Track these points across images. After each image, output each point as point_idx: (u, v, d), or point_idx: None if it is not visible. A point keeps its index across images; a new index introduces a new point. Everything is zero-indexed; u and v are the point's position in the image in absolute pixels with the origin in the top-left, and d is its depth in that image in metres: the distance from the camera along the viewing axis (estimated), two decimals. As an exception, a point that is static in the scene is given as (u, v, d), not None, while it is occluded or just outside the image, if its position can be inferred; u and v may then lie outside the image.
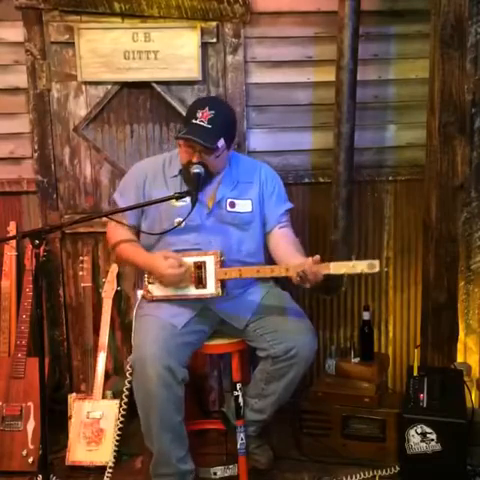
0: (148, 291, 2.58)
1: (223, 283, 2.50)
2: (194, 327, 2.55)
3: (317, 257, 2.33)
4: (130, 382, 2.55)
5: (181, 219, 2.47)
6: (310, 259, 2.33)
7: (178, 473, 2.53)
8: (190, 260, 2.50)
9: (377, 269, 2.27)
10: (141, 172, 2.67)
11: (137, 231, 2.66)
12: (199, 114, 2.45)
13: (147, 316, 2.55)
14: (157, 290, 2.57)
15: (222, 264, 2.49)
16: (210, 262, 2.48)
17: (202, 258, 2.50)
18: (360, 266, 2.28)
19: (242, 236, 2.61)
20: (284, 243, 2.63)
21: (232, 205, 2.60)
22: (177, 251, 2.53)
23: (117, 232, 2.66)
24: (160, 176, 2.62)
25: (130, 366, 2.50)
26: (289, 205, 2.73)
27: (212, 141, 2.44)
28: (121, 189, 2.72)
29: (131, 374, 2.49)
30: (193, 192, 2.42)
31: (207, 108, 2.46)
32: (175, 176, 2.60)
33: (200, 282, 2.50)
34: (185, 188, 2.52)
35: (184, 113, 2.82)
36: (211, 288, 2.49)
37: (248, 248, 2.62)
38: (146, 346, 2.40)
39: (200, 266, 2.49)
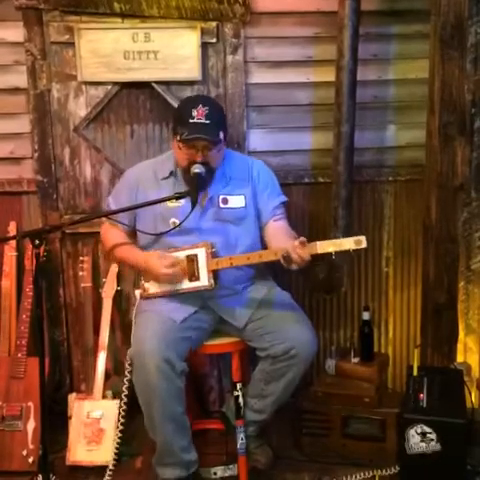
0: (145, 289, 2.63)
1: (216, 274, 2.51)
2: (193, 323, 2.56)
3: (303, 239, 2.32)
4: (129, 380, 2.56)
5: (176, 220, 2.51)
6: (295, 241, 2.33)
7: (182, 462, 2.56)
8: (182, 254, 2.53)
9: (364, 245, 2.28)
10: (133, 177, 2.70)
11: (131, 232, 2.68)
12: (195, 113, 2.46)
13: (147, 312, 2.57)
14: (153, 287, 2.61)
15: (213, 255, 2.51)
16: (202, 254, 2.51)
17: (194, 251, 2.52)
18: (347, 243, 2.28)
19: (238, 231, 2.62)
20: (279, 234, 2.62)
21: (225, 201, 2.61)
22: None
23: (112, 235, 2.70)
24: (152, 179, 2.63)
25: (129, 361, 2.52)
26: (283, 198, 2.73)
27: (215, 135, 2.48)
28: (114, 194, 2.75)
29: (130, 366, 2.50)
30: (193, 192, 2.44)
31: (200, 105, 2.48)
32: (166, 178, 2.62)
33: (193, 275, 2.52)
34: (178, 189, 2.53)
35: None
36: (204, 280, 2.51)
37: (244, 242, 2.62)
38: (145, 339, 2.42)
39: (192, 259, 2.51)
